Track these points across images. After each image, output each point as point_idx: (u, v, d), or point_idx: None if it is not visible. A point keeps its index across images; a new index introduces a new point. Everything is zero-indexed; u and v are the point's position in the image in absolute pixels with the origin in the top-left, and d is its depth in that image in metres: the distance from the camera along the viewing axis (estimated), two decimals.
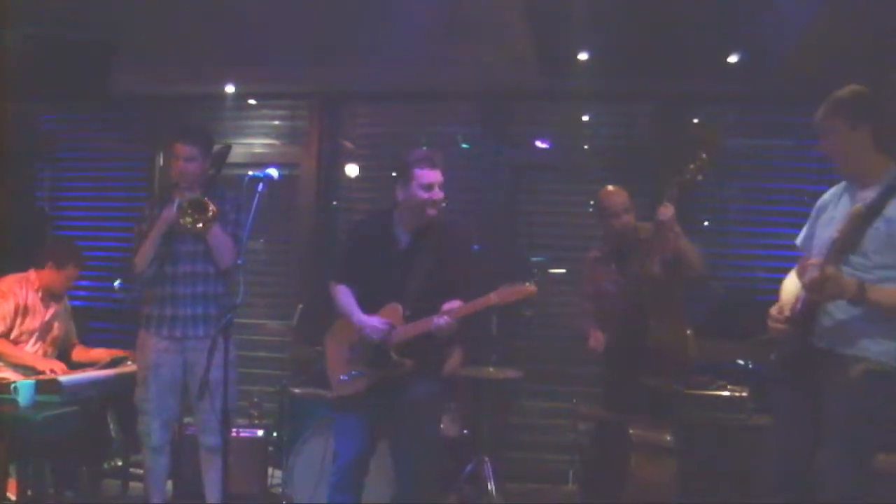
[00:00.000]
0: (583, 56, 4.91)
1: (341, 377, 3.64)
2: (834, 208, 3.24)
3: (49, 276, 4.71)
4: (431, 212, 3.59)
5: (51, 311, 4.76)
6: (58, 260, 4.73)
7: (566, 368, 5.44)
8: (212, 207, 3.94)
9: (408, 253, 3.62)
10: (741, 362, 4.81)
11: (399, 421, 3.59)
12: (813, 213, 3.38)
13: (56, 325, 4.80)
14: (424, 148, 3.73)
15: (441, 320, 3.40)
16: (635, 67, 4.96)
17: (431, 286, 3.51)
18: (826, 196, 3.35)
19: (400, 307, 3.54)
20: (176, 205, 3.95)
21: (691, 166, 3.89)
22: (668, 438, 3.94)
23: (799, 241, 3.43)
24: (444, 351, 3.83)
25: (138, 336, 4.20)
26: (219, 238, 4.03)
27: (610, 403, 4.27)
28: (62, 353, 4.86)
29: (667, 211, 3.91)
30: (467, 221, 3.70)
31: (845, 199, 3.20)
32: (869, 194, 3.08)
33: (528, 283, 3.39)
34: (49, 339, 4.76)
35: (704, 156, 3.89)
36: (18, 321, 4.60)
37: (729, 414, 4.48)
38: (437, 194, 3.57)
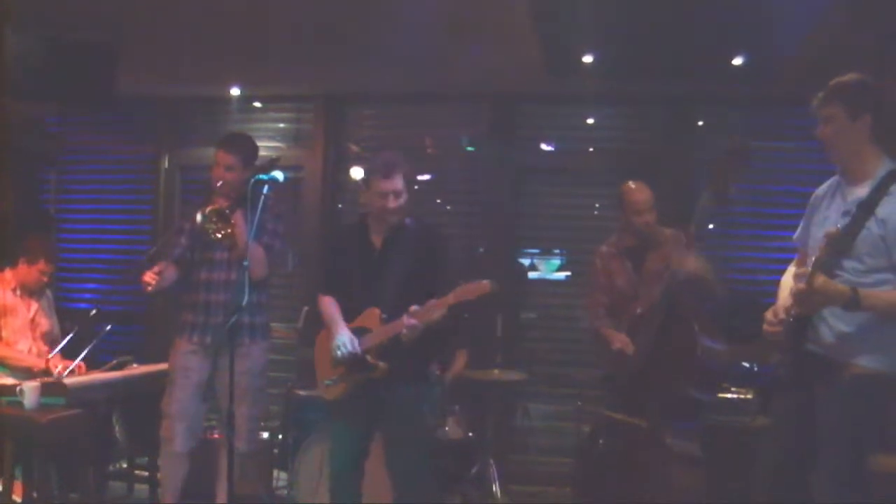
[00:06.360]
0: (588, 58, 4.91)
1: (325, 382, 3.68)
2: (828, 206, 3.15)
3: (22, 272, 4.70)
4: (392, 219, 3.60)
5: (33, 307, 4.75)
6: (28, 255, 4.71)
7: (570, 371, 5.43)
8: (233, 221, 3.91)
9: (382, 257, 3.64)
10: (747, 365, 4.80)
11: (387, 424, 3.63)
12: (809, 208, 3.29)
13: (43, 320, 4.78)
14: (387, 154, 3.69)
15: (409, 322, 3.40)
16: (641, 70, 4.96)
17: (407, 288, 3.52)
18: (820, 190, 3.25)
19: (378, 311, 3.55)
20: (199, 216, 3.91)
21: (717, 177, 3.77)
22: (696, 447, 3.92)
23: (796, 236, 3.34)
24: (432, 353, 3.82)
25: (173, 342, 4.19)
26: (249, 249, 3.94)
27: (628, 407, 4.09)
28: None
29: (687, 235, 3.84)
30: (436, 226, 3.73)
31: (838, 197, 3.11)
32: (860, 191, 3.01)
33: (484, 281, 3.35)
34: (38, 335, 4.74)
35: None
36: (2, 322, 4.59)
37: (733, 416, 4.47)
38: (393, 203, 3.55)
